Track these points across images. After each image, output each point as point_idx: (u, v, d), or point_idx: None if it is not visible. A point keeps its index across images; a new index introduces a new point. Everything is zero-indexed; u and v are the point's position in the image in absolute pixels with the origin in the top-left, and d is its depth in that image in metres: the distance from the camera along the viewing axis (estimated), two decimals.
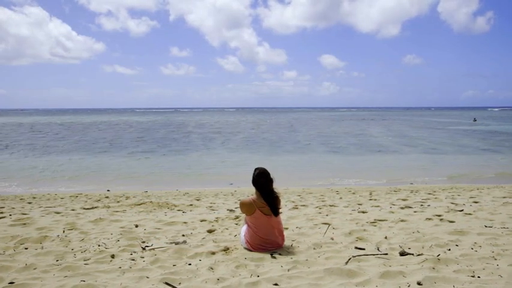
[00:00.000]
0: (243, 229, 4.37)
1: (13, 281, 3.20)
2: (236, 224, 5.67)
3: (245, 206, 4.20)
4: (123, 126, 51.92)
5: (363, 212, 6.73)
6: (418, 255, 3.82)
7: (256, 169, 4.29)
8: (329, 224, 5.43)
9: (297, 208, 7.52)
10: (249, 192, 10.34)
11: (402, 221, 5.79)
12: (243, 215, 4.70)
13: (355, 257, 3.78)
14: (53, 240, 4.64)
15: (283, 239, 4.31)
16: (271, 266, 3.57)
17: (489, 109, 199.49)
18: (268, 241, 4.14)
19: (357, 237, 4.69)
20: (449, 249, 4.05)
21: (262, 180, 4.18)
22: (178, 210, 7.59)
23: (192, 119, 75.73)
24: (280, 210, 4.31)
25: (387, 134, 36.13)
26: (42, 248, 4.29)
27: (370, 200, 8.83)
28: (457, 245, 4.22)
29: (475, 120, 60.74)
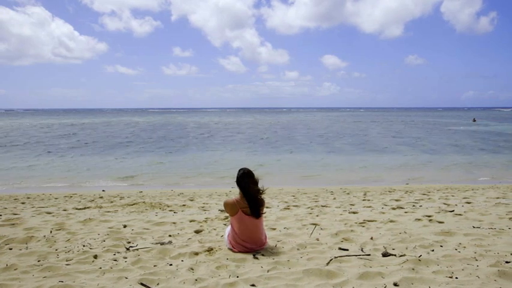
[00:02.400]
0: (227, 230, 4.38)
1: None
2: (225, 225, 5.66)
3: (228, 207, 4.20)
4: (123, 126, 51.99)
5: (354, 213, 6.72)
6: (401, 256, 3.82)
7: (240, 170, 4.28)
8: (316, 225, 5.43)
9: (288, 208, 7.51)
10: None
11: (391, 221, 5.78)
12: None
13: (337, 257, 3.77)
14: (39, 240, 4.65)
15: (265, 240, 4.31)
16: (251, 267, 3.56)
17: (502, 110, 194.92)
18: (250, 242, 4.13)
19: (343, 238, 4.69)
20: (433, 250, 4.04)
21: (245, 181, 4.17)
22: (170, 210, 7.59)
23: (192, 120, 75.77)
24: (264, 210, 4.30)
25: (386, 134, 36.12)
26: (26, 248, 4.29)
27: (364, 200, 8.81)
28: (441, 246, 4.22)
29: (474, 120, 60.67)
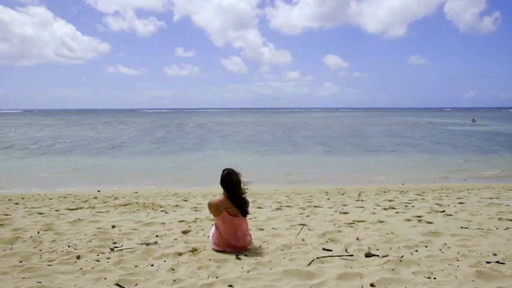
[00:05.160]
0: (212, 230, 4.38)
1: None
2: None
3: (212, 207, 4.20)
4: (123, 127, 52.08)
5: (345, 213, 6.70)
6: (383, 256, 3.81)
7: (224, 170, 4.28)
8: (303, 225, 5.42)
9: (280, 209, 7.49)
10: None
11: (380, 222, 5.76)
12: None
13: (319, 258, 3.76)
14: (25, 241, 4.64)
15: (249, 240, 4.30)
16: (232, 267, 3.56)
17: (508, 110, 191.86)
18: (234, 242, 4.13)
19: (329, 239, 4.67)
20: (417, 251, 4.03)
21: (229, 181, 4.17)
22: (162, 210, 7.59)
23: (192, 120, 75.86)
24: (249, 210, 4.29)
25: (385, 134, 36.09)
26: (11, 249, 4.29)
27: (357, 200, 8.79)
28: (426, 246, 4.20)
29: (474, 120, 60.56)
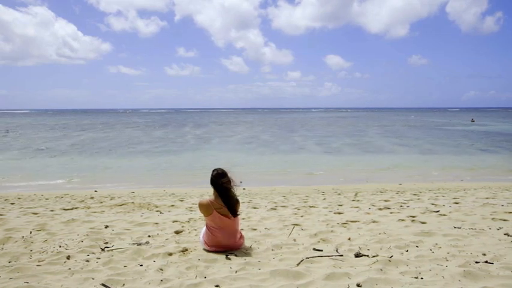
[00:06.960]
0: (203, 230, 4.37)
1: None
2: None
3: (203, 207, 4.20)
4: (122, 126, 52.10)
5: (339, 213, 6.70)
6: (373, 256, 3.80)
7: (214, 170, 4.29)
8: (296, 225, 5.41)
9: (275, 209, 7.48)
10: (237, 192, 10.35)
11: (374, 222, 5.76)
12: None
13: (308, 258, 3.76)
14: (16, 241, 4.64)
15: (240, 240, 4.29)
16: (221, 267, 3.55)
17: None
18: (224, 242, 4.13)
19: (321, 239, 4.67)
20: (407, 251, 4.02)
21: (219, 181, 4.17)
22: (157, 210, 7.59)
23: (192, 120, 75.88)
24: (239, 211, 4.30)
25: (384, 134, 36.07)
26: (1, 249, 4.28)
27: (353, 201, 8.78)
28: (417, 246, 4.20)
29: (473, 120, 60.55)
